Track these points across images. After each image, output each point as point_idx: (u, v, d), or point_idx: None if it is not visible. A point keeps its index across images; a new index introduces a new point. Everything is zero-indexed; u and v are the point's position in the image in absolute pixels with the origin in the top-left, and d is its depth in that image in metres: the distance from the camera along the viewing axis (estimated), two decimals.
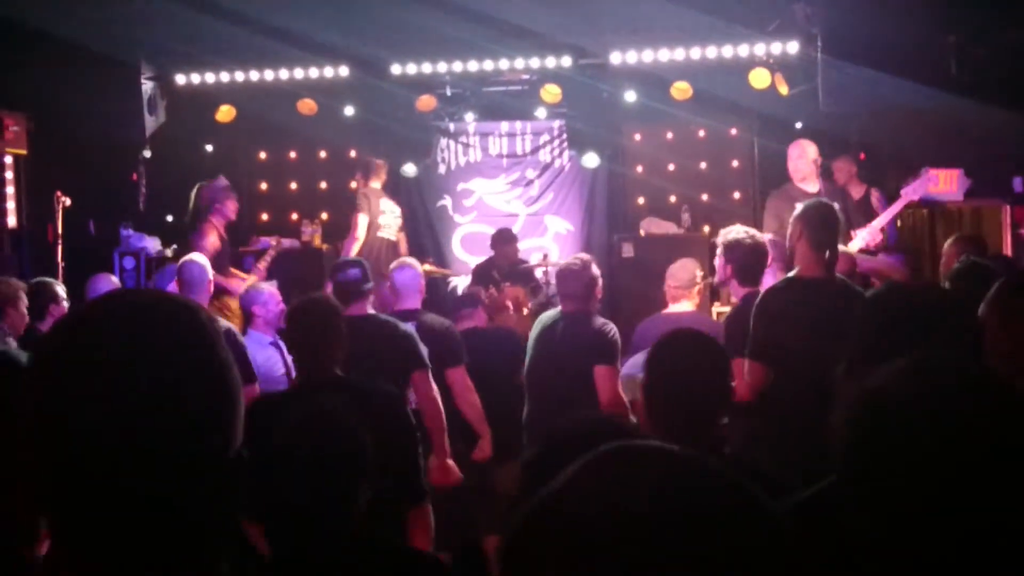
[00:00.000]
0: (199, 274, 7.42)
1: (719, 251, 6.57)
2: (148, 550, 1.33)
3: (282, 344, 7.96)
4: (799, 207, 6.01)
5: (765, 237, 6.96)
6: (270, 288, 8.21)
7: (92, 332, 1.37)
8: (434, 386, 6.40)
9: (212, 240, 9.62)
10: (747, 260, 6.44)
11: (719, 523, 1.04)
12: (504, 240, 11.21)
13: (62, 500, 1.33)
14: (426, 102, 11.71)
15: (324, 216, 12.83)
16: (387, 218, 11.12)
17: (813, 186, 9.24)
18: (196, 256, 7.82)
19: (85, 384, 1.32)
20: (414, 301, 7.29)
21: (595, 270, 6.86)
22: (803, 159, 9.32)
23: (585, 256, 7.11)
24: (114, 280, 8.19)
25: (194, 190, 11.29)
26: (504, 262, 10.94)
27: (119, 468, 1.31)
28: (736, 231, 6.58)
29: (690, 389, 3.45)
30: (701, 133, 12.74)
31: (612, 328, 6.73)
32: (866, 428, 1.47)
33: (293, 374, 7.08)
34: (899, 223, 10.71)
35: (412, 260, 7.83)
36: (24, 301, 7.18)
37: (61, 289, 7.99)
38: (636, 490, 1.04)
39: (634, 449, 1.11)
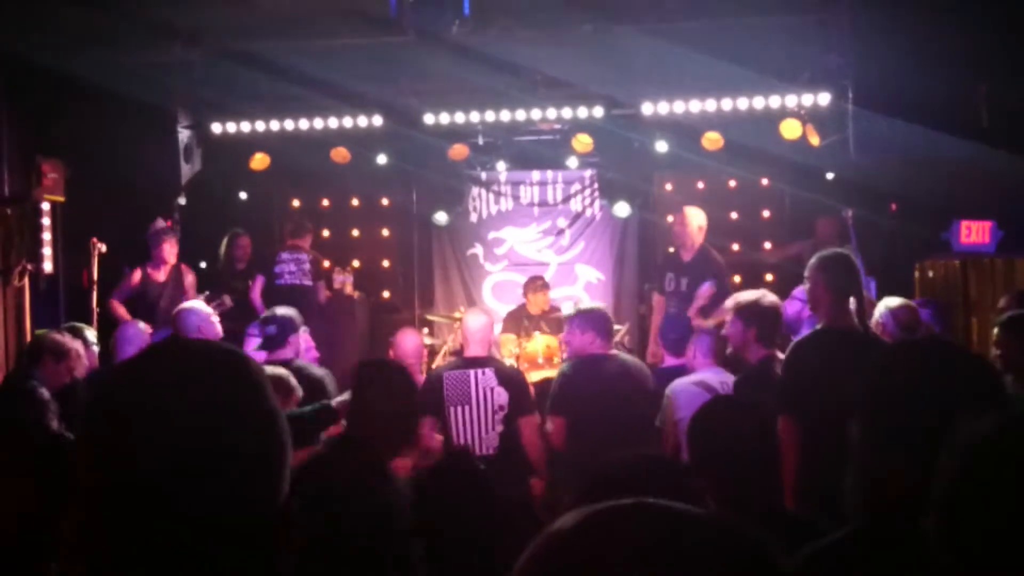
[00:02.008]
0: (194, 322, 7.54)
1: (732, 316, 6.46)
2: None
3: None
4: (814, 259, 5.94)
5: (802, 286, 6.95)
6: (306, 336, 8.23)
7: (145, 379, 1.40)
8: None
9: (131, 279, 10.39)
10: (766, 321, 6.38)
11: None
12: (535, 288, 11.21)
13: (109, 541, 1.35)
14: (458, 151, 11.79)
15: (356, 264, 12.91)
16: (287, 266, 11.34)
17: (689, 253, 9.85)
18: (193, 304, 7.98)
19: (136, 431, 1.35)
20: (479, 349, 7.57)
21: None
22: (685, 227, 9.90)
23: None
24: (142, 327, 8.22)
25: (225, 238, 11.41)
26: (535, 310, 10.93)
27: (167, 514, 1.33)
28: (750, 294, 6.55)
29: (735, 460, 3.41)
30: (732, 183, 12.71)
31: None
32: (978, 473, 1.47)
33: None
34: (931, 274, 10.67)
35: (483, 308, 8.27)
36: (74, 358, 7.03)
37: (91, 334, 8.04)
38: (636, 549, 1.05)
39: (639, 508, 1.11)
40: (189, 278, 10.62)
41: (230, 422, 1.37)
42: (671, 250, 10.33)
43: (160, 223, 10.76)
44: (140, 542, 1.33)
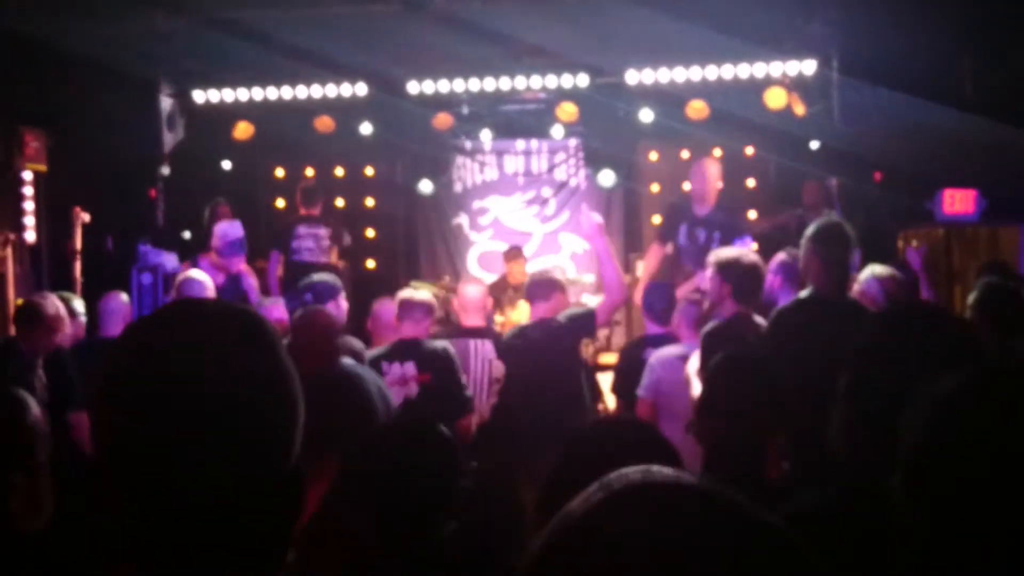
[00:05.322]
0: (199, 291, 7.51)
1: (712, 271, 6.38)
2: (208, 559, 1.35)
3: None
4: (810, 227, 5.94)
5: (778, 257, 6.92)
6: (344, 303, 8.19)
7: (158, 341, 1.39)
8: None
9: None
10: (744, 279, 6.28)
11: (746, 564, 1.04)
12: (510, 258, 11.23)
13: (127, 509, 1.36)
14: (443, 120, 11.75)
15: None
16: (304, 242, 10.88)
17: (706, 207, 9.33)
18: (194, 273, 7.94)
19: (150, 394, 1.34)
20: (478, 319, 7.57)
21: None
22: (706, 178, 9.37)
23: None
24: (124, 299, 8.18)
25: (207, 208, 11.36)
26: (515, 280, 10.82)
27: (182, 477, 1.33)
28: (730, 251, 6.49)
29: (743, 417, 3.45)
30: (717, 152, 12.67)
31: None
32: (942, 430, 1.48)
33: None
34: (915, 243, 10.69)
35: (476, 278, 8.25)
36: (59, 322, 6.97)
37: (79, 304, 8.01)
38: (660, 529, 1.04)
39: (658, 484, 1.11)
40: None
41: (244, 382, 1.36)
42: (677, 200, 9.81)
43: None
44: (155, 505, 1.34)
